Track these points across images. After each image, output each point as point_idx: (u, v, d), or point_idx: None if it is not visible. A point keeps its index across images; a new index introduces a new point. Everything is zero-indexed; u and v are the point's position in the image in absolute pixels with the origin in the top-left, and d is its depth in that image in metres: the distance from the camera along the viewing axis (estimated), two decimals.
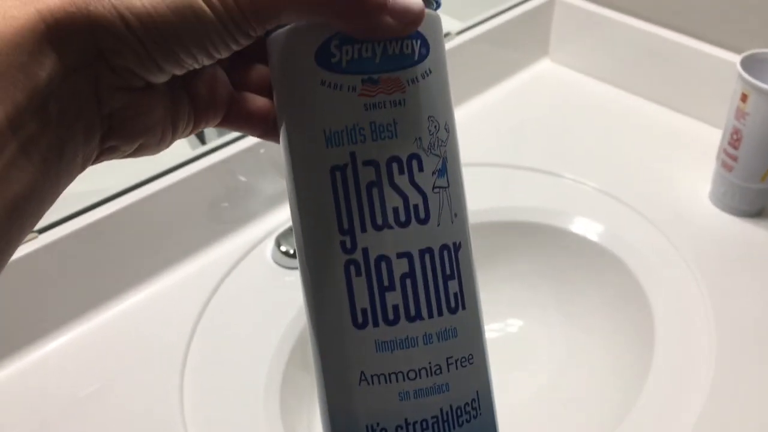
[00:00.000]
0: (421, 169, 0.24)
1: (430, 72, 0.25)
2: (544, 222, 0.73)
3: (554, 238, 0.73)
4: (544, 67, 0.95)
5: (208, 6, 0.21)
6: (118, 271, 0.62)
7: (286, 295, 0.65)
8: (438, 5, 0.25)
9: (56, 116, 0.20)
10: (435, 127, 0.25)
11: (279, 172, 0.72)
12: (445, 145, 0.25)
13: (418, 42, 0.24)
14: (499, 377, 0.71)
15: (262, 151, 0.70)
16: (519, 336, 0.72)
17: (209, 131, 0.75)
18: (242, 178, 0.69)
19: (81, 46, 0.20)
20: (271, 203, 0.72)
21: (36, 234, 0.56)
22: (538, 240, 0.74)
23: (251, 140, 0.68)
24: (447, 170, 0.25)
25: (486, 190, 0.76)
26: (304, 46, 0.24)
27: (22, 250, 0.55)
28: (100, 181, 0.64)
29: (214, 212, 0.68)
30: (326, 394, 0.25)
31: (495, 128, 0.85)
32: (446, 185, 0.25)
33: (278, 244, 0.68)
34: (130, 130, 0.23)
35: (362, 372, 0.24)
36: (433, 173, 0.25)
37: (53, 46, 0.20)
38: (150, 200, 0.62)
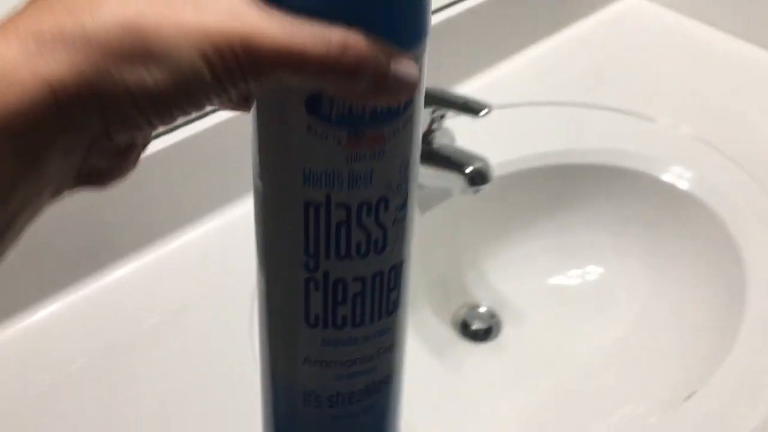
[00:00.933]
0: (386, 209, 0.26)
1: (410, 118, 0.26)
2: (628, 166, 0.70)
3: (639, 183, 0.69)
4: (629, 1, 0.90)
5: (211, 72, 0.20)
6: (200, 193, 0.61)
7: None
8: (425, 43, 0.25)
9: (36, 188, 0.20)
10: (405, 167, 0.26)
11: None
12: (410, 181, 0.27)
13: None
14: (576, 325, 0.69)
15: None
16: (598, 283, 0.69)
17: None
18: None
19: (87, 124, 0.20)
20: None
21: None
22: (621, 185, 0.70)
23: None
24: (407, 203, 0.27)
25: (563, 131, 0.72)
26: (295, 91, 0.24)
27: None
28: None
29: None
30: (272, 367, 0.30)
31: (575, 66, 0.80)
32: (405, 216, 0.28)
33: None
34: (102, 180, 0.23)
35: (307, 356, 0.28)
36: (396, 209, 0.27)
37: (58, 123, 0.19)
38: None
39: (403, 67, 0.23)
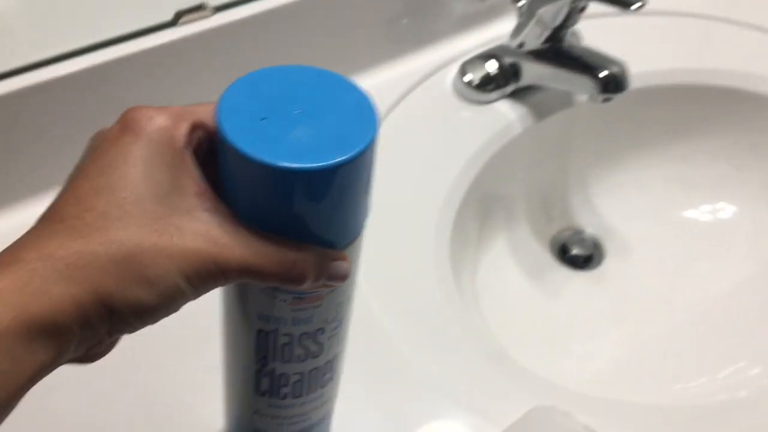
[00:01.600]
0: (323, 333, 0.32)
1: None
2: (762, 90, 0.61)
3: None
4: None
5: (191, 288, 0.26)
6: None
7: (463, 131, 0.57)
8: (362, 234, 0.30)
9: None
10: (341, 306, 0.32)
11: None
12: (346, 307, 0.32)
13: None
14: (687, 267, 0.63)
15: None
16: (717, 224, 0.62)
17: None
18: None
19: (99, 327, 0.25)
20: (460, 25, 0.63)
21: (211, 12, 0.49)
22: (753, 111, 0.62)
23: None
24: (343, 321, 0.33)
25: (695, 46, 0.64)
26: None
27: (193, 29, 0.49)
28: None
29: (392, 29, 0.60)
30: (231, 408, 0.38)
31: None
32: (339, 329, 0.33)
33: (463, 72, 0.59)
34: (89, 359, 0.27)
35: (257, 410, 0.36)
36: (333, 328, 0.32)
37: (78, 326, 0.24)
38: (321, 3, 0.54)
39: (338, 267, 0.28)
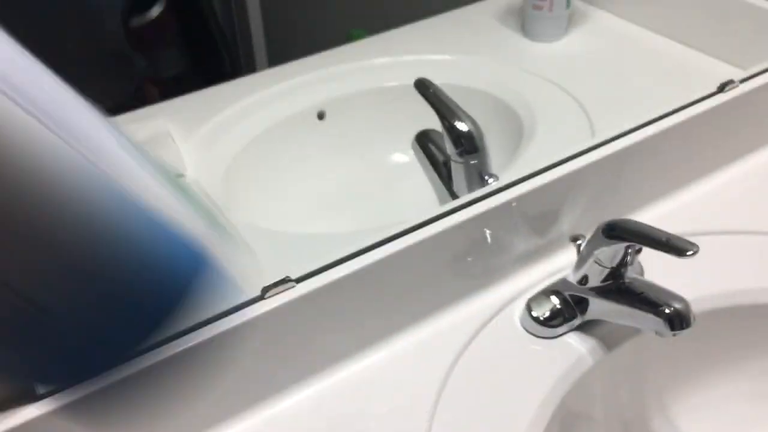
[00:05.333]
0: None
1: None
2: None
3: None
4: None
5: None
6: (356, 329, 0.60)
7: (536, 367, 0.59)
8: None
9: None
10: None
11: (531, 229, 0.66)
12: None
13: None
14: None
15: (513, 204, 0.64)
16: None
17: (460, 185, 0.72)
18: (491, 234, 0.64)
19: None
20: (522, 262, 0.66)
21: (294, 284, 0.54)
22: None
23: (503, 196, 0.63)
24: None
25: (757, 264, 0.65)
26: None
27: (276, 300, 0.53)
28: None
29: (459, 266, 0.64)
30: None
31: None
32: None
33: (529, 308, 0.62)
34: None
35: None
36: None
37: None
38: (396, 257, 0.58)
39: None
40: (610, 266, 0.56)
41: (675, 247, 0.50)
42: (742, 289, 0.63)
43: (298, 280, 0.55)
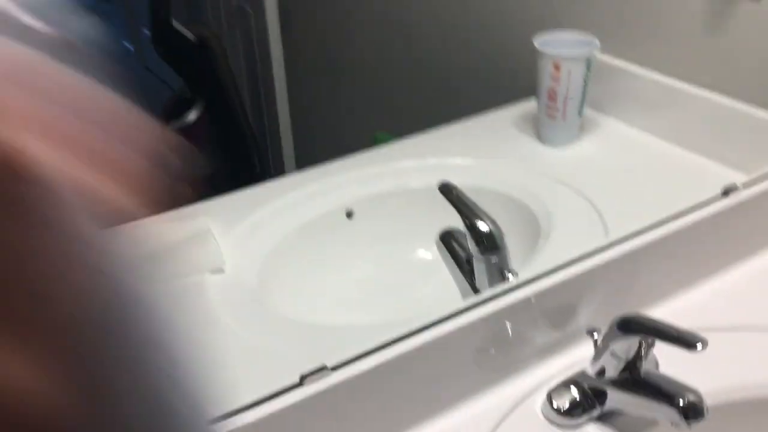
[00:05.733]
0: None
1: None
2: None
3: None
4: None
5: None
6: (379, 423, 0.63)
7: None
8: None
9: None
10: None
11: (550, 322, 0.70)
12: None
13: None
14: None
15: (533, 300, 0.68)
16: None
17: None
18: (512, 327, 0.68)
19: None
20: (541, 354, 0.70)
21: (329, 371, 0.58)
22: None
23: (523, 292, 0.67)
24: None
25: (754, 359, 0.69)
26: None
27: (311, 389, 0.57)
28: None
29: (482, 358, 0.68)
30: None
31: None
32: None
33: (550, 399, 0.65)
34: None
35: None
36: None
37: None
38: (422, 348, 0.62)
39: None
40: (625, 359, 0.60)
41: (686, 341, 0.54)
42: (754, 383, 0.66)
43: (334, 369, 0.59)
